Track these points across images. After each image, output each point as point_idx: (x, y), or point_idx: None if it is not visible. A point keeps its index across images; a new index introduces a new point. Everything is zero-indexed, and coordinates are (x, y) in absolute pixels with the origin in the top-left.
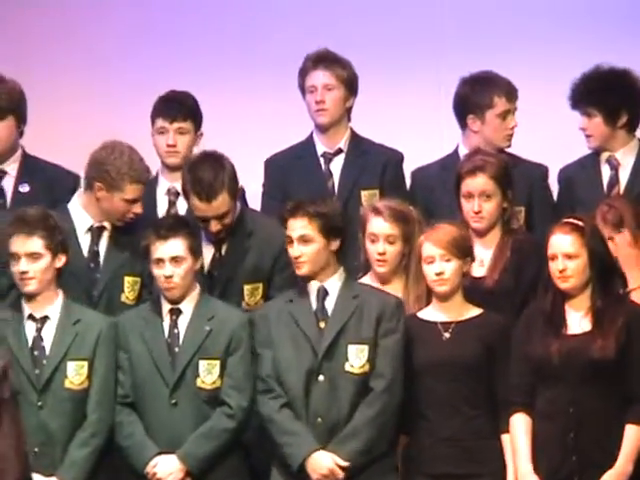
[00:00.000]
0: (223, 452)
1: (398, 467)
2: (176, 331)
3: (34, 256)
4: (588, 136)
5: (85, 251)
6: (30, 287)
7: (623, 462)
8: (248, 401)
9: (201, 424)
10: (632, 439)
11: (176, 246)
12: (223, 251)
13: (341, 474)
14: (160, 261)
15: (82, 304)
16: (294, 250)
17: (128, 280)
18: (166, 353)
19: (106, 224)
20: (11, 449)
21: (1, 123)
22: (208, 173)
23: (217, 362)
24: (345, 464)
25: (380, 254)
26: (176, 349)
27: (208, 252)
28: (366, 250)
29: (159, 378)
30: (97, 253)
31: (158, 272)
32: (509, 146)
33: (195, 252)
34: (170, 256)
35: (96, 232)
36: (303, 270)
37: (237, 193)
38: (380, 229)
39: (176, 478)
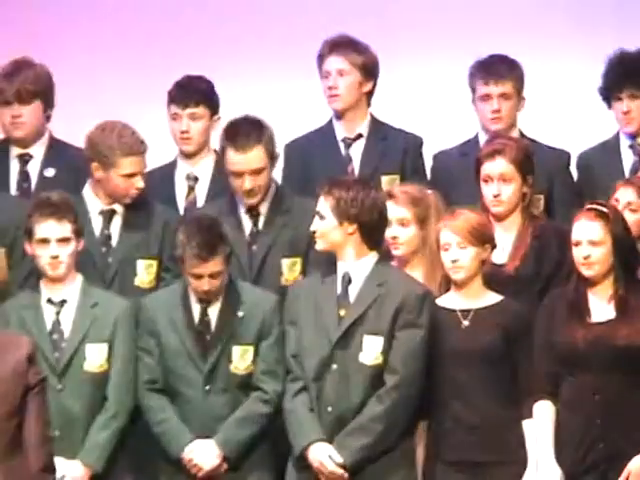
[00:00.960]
0: (259, 438)
1: (414, 457)
2: (207, 318)
3: (65, 240)
4: (630, 119)
5: (97, 235)
6: (59, 271)
7: None
8: (282, 386)
9: (234, 410)
10: None
11: (217, 264)
12: (260, 225)
13: (338, 471)
14: (200, 277)
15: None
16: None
17: (142, 263)
18: (198, 340)
19: (116, 207)
20: (38, 438)
21: (27, 107)
22: (246, 126)
23: (250, 347)
24: (340, 460)
25: (393, 238)
26: (207, 337)
27: (246, 226)
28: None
29: (192, 365)
30: (109, 237)
31: (196, 283)
32: (496, 129)
33: (229, 256)
34: (211, 272)
35: (107, 215)
36: (322, 246)
37: (274, 156)
38: (392, 213)
39: (214, 464)
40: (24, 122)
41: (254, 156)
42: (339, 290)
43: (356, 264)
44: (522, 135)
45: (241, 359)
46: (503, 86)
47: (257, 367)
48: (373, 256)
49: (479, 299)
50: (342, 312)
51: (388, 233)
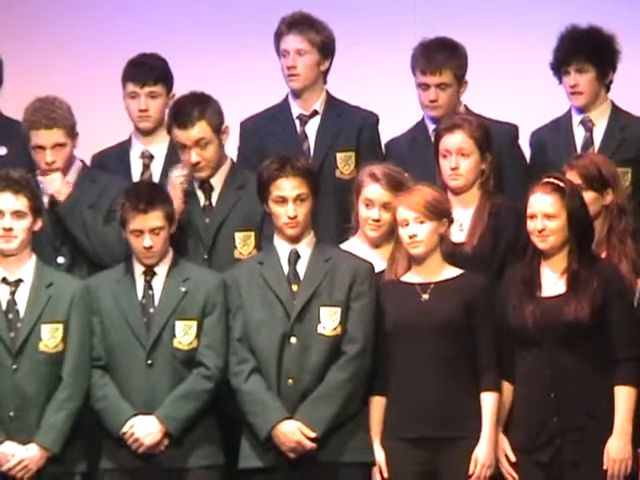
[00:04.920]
0: (201, 413)
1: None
2: (150, 292)
3: (20, 214)
4: (578, 93)
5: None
6: (12, 245)
7: (621, 424)
8: (225, 361)
9: (177, 385)
10: (624, 400)
11: (155, 218)
12: (213, 200)
13: (309, 444)
14: (140, 232)
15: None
16: (289, 210)
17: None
18: (141, 315)
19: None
20: None
21: None
22: (188, 103)
23: (194, 323)
24: (313, 435)
25: (375, 220)
26: (151, 310)
27: (200, 199)
28: (358, 213)
29: (134, 340)
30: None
31: (136, 242)
32: (434, 116)
33: (171, 219)
34: (149, 228)
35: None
36: (296, 230)
37: (220, 129)
38: (377, 196)
39: (155, 439)
40: None
41: (197, 130)
42: (286, 268)
43: (303, 242)
44: (468, 111)
45: (184, 334)
46: (440, 76)
47: (200, 343)
48: (313, 235)
49: (439, 273)
50: (294, 287)
51: (369, 214)
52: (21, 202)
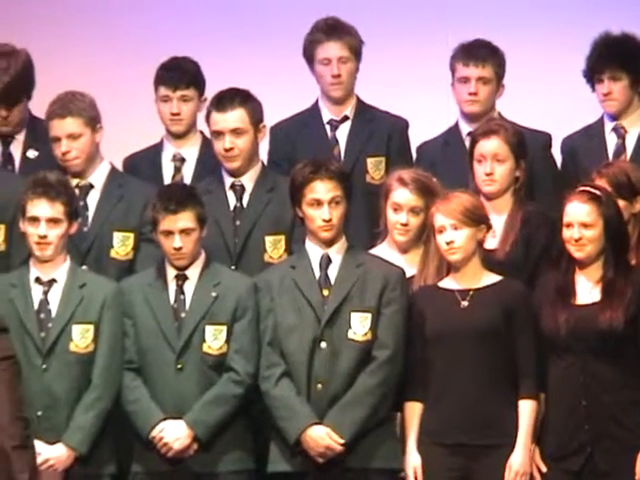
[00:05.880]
0: (230, 418)
1: (396, 432)
2: (182, 297)
3: (55, 221)
4: (611, 100)
5: None
6: (47, 252)
7: None
8: (255, 367)
9: (206, 390)
10: None
11: (186, 219)
12: (245, 202)
13: (338, 448)
14: (170, 233)
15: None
16: (324, 213)
17: (118, 235)
18: (172, 318)
19: (92, 181)
20: (8, 417)
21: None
22: (231, 91)
23: (224, 328)
24: (342, 441)
25: (403, 225)
26: (182, 314)
27: (231, 202)
28: (386, 218)
29: (165, 344)
30: (84, 210)
31: (166, 243)
32: (471, 112)
33: (203, 221)
34: (180, 229)
35: (83, 189)
36: (331, 234)
37: (258, 124)
38: (405, 200)
39: (183, 444)
40: None
41: (235, 116)
42: (317, 272)
43: (334, 247)
44: (502, 117)
45: (214, 339)
46: (483, 69)
47: (230, 348)
48: (345, 239)
49: (477, 280)
50: (325, 292)
51: (397, 219)
52: (57, 209)
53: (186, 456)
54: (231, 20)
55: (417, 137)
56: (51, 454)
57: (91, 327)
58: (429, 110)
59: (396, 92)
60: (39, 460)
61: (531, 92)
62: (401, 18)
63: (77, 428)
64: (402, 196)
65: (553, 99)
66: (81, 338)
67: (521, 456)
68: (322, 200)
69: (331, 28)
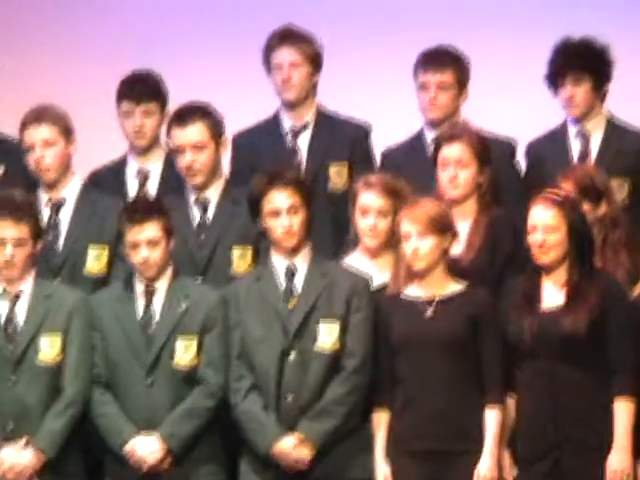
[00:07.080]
0: (203, 431)
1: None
2: (150, 311)
3: (20, 242)
4: (574, 104)
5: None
6: (12, 273)
7: (619, 438)
8: (225, 379)
9: (178, 403)
10: (622, 414)
11: (152, 229)
12: (210, 215)
13: (307, 460)
14: (136, 245)
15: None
16: (283, 220)
17: (92, 251)
18: (140, 333)
19: (65, 195)
20: None
21: None
22: (190, 106)
23: (194, 340)
24: (310, 452)
25: (371, 228)
26: (152, 327)
27: (195, 217)
28: (356, 224)
29: (134, 358)
30: (56, 225)
31: (134, 255)
32: (432, 118)
33: (169, 231)
34: (146, 239)
35: (55, 204)
36: (292, 242)
37: (218, 138)
38: (371, 203)
39: (157, 458)
40: None
41: (195, 130)
42: (283, 283)
43: (299, 257)
44: (466, 124)
45: (185, 352)
46: (442, 75)
47: (201, 360)
48: (310, 248)
49: (442, 288)
50: (292, 303)
51: (365, 223)
52: (22, 230)
53: (160, 470)
54: (195, 30)
55: (382, 143)
56: (19, 459)
57: (59, 337)
58: (394, 116)
59: (360, 98)
60: (6, 466)
61: (495, 96)
62: (365, 23)
63: (46, 432)
64: (369, 199)
65: (515, 104)
66: (49, 348)
67: (488, 462)
68: (280, 209)
69: (285, 34)
